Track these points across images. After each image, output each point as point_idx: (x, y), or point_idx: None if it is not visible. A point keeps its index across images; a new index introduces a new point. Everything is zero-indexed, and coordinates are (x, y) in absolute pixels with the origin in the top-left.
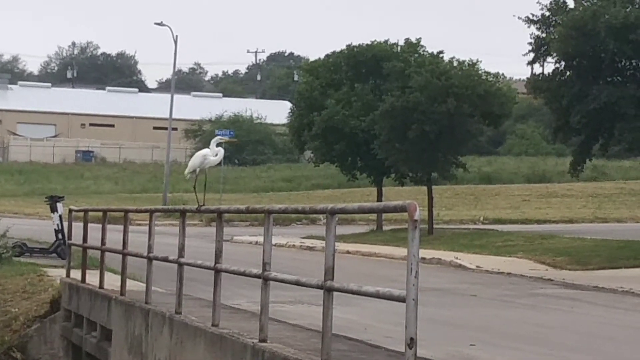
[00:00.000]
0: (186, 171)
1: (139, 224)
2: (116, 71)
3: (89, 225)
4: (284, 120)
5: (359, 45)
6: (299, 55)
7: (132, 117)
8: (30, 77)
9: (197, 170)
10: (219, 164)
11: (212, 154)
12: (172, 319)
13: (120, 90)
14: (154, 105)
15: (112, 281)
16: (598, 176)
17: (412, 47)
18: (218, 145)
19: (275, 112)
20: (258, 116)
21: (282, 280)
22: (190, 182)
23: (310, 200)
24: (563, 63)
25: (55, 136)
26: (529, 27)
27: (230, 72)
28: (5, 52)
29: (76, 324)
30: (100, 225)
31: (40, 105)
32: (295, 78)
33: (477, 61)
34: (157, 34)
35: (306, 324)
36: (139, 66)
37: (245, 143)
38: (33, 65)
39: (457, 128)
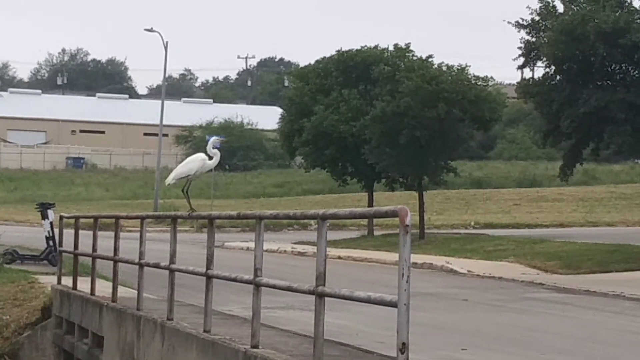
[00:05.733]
0: (173, 177)
1: (130, 231)
2: (106, 77)
3: (80, 232)
4: (275, 126)
5: (349, 50)
6: (289, 61)
7: (122, 124)
8: (20, 83)
9: (193, 175)
10: (210, 170)
11: (208, 157)
12: (163, 325)
13: (110, 97)
14: (145, 112)
15: (103, 288)
16: (588, 180)
17: (401, 51)
18: (214, 147)
19: (266, 117)
20: (249, 122)
21: (273, 286)
22: (177, 187)
23: (301, 206)
24: (553, 67)
25: (45, 143)
26: (519, 31)
27: (220, 77)
28: None
29: (67, 331)
30: (91, 232)
31: (30, 112)
32: (286, 84)
33: (466, 66)
34: (147, 40)
35: (298, 329)
36: (129, 72)
37: (236, 149)
38: (23, 72)
39: (448, 133)
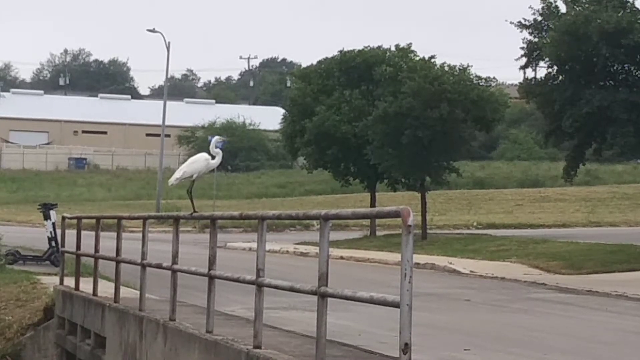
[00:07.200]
0: (177, 178)
1: (132, 231)
2: (108, 78)
3: (82, 232)
4: (277, 127)
5: (351, 51)
6: (291, 62)
7: (124, 124)
8: (22, 84)
9: (197, 175)
10: (212, 170)
11: (211, 157)
12: (166, 325)
13: (112, 97)
14: (147, 112)
15: (105, 288)
16: (591, 180)
17: (403, 52)
18: (217, 147)
19: (268, 118)
20: (251, 122)
21: (276, 287)
22: (180, 188)
23: (304, 206)
24: (555, 67)
25: (48, 143)
26: (521, 31)
27: (222, 78)
28: None
29: (70, 332)
30: (93, 233)
31: (32, 112)
32: (288, 84)
33: (469, 66)
34: (150, 40)
35: (300, 330)
36: (131, 73)
37: (239, 149)
38: (25, 73)
39: (450, 133)
